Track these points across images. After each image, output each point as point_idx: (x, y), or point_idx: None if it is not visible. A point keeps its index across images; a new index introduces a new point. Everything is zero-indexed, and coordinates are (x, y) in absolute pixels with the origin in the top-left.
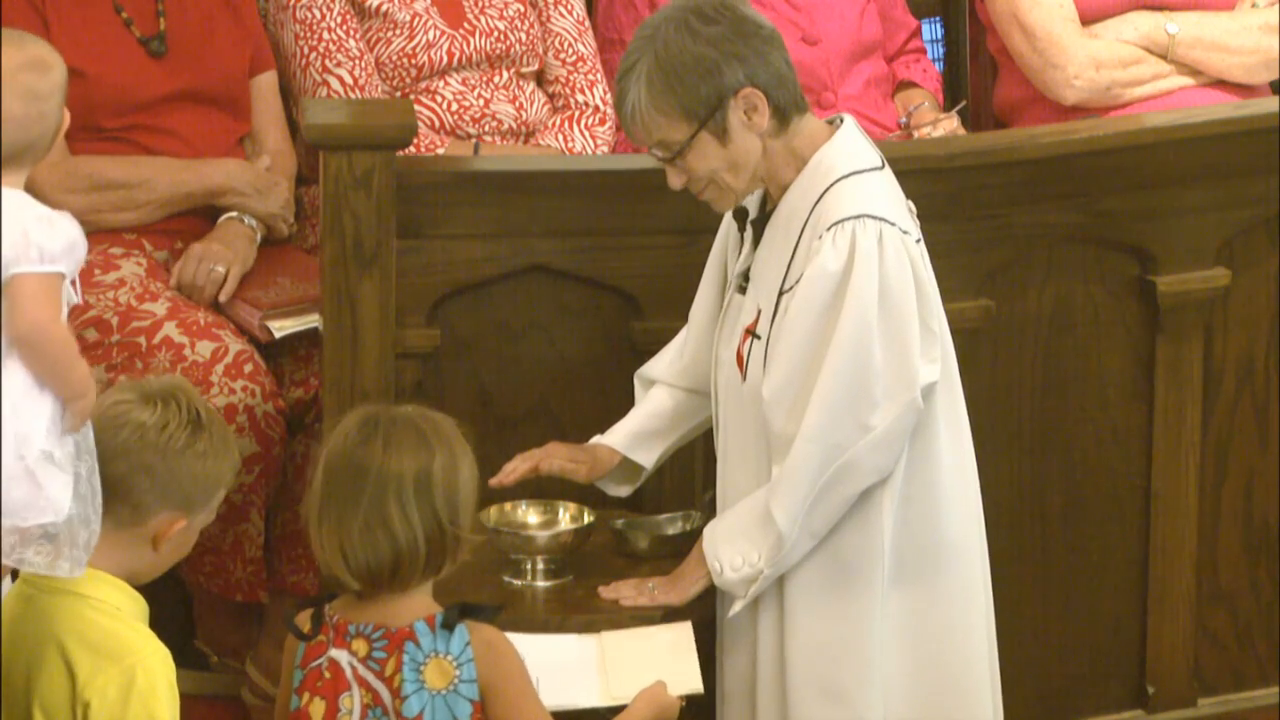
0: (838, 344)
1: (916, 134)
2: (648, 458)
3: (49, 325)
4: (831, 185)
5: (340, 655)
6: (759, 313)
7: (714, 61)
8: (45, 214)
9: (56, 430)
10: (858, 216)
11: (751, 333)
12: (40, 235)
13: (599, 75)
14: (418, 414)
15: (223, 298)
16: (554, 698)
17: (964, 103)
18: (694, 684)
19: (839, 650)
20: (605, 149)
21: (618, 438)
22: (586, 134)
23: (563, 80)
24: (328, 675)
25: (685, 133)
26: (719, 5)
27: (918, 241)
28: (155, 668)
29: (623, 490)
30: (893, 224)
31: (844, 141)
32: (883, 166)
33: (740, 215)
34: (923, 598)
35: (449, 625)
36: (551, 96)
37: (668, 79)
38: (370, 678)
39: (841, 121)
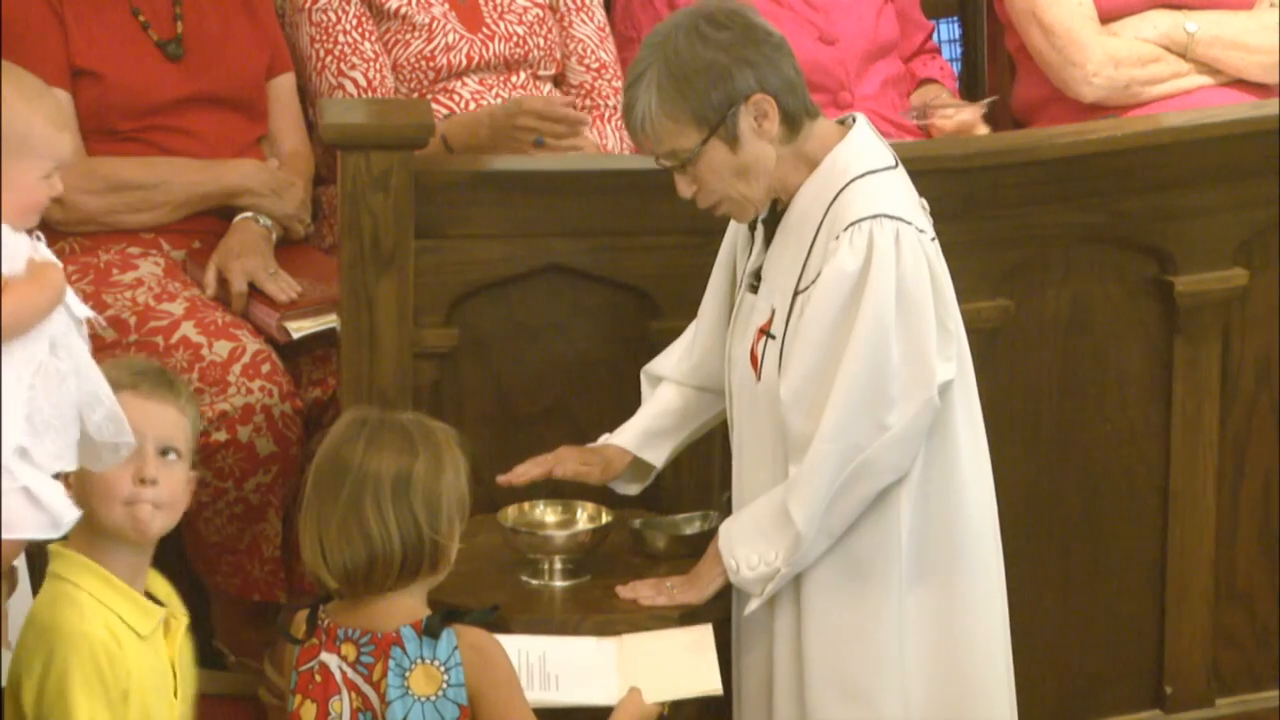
0: (855, 343)
1: (932, 121)
2: (658, 456)
3: None
4: (846, 185)
5: (330, 659)
6: (773, 312)
7: (725, 67)
8: None
9: (33, 425)
10: (874, 216)
11: (765, 332)
12: None
13: (621, 82)
14: (412, 419)
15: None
16: (571, 695)
17: (994, 97)
18: (712, 684)
19: (856, 648)
20: (631, 149)
21: (628, 437)
22: (616, 133)
23: (587, 86)
24: (318, 679)
25: (695, 139)
26: (729, 12)
27: (933, 239)
28: (79, 649)
29: (633, 489)
30: (909, 223)
31: (857, 141)
32: (896, 165)
33: None
34: (939, 596)
35: (432, 631)
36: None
37: (678, 85)
38: (359, 682)
39: (854, 121)
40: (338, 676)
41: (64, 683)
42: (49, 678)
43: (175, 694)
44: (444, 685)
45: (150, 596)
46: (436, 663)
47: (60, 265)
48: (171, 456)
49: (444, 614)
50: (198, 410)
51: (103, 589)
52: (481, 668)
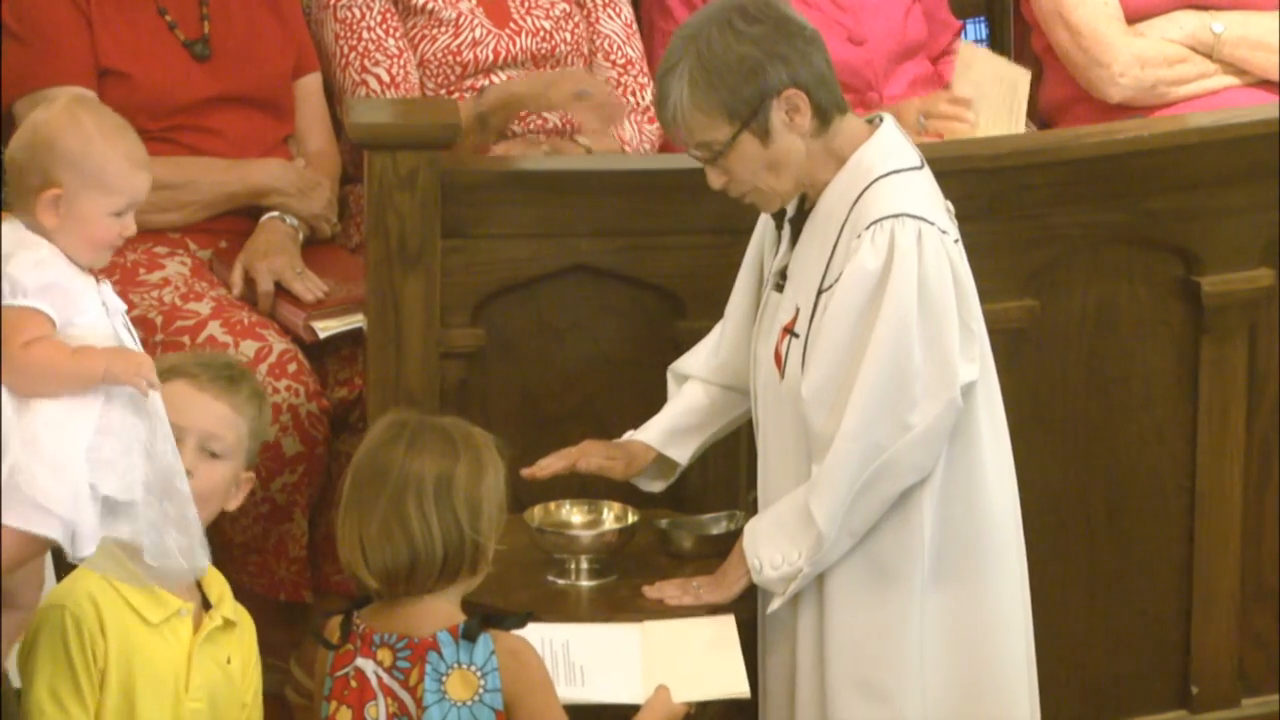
0: (877, 343)
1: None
2: (682, 454)
3: (16, 353)
4: (871, 184)
5: (366, 664)
6: (797, 311)
7: (757, 61)
8: (43, 256)
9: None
10: (897, 215)
11: (790, 331)
12: (16, 271)
13: (648, 78)
14: (451, 422)
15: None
16: (598, 693)
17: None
18: (739, 686)
19: (878, 648)
20: (649, 146)
21: (652, 434)
22: (635, 127)
23: (613, 82)
24: (354, 684)
25: (727, 133)
26: (762, 5)
27: (956, 241)
28: (49, 620)
29: (657, 486)
30: (931, 223)
31: (883, 140)
32: (922, 166)
33: (778, 213)
34: (961, 596)
35: (470, 636)
36: None
37: (710, 78)
38: (395, 687)
39: (881, 120)
40: (374, 682)
41: (32, 651)
42: (25, 649)
43: (186, 688)
44: (481, 690)
45: (203, 595)
46: (473, 668)
47: (145, 362)
48: (216, 451)
49: (481, 618)
50: (260, 412)
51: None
52: (518, 672)
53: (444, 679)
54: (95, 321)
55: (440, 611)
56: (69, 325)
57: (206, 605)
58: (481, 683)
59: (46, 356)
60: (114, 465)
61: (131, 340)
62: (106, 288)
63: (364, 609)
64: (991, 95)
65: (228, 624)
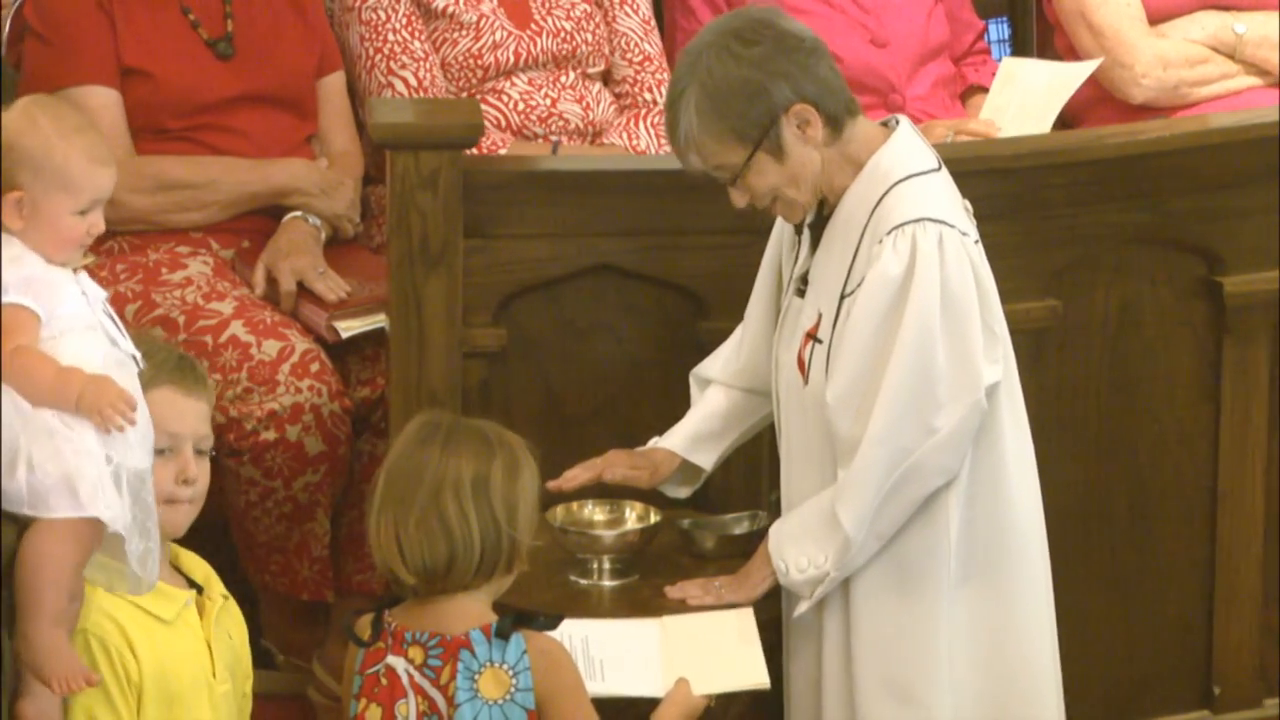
0: (901, 347)
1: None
2: (707, 459)
3: (2, 357)
4: (890, 188)
5: (397, 662)
6: (819, 316)
7: (759, 84)
8: (17, 252)
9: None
10: (918, 220)
11: (813, 336)
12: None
13: (665, 74)
14: (485, 424)
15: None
16: (619, 686)
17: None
18: (759, 677)
19: (905, 650)
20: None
21: (676, 440)
22: (651, 131)
23: (630, 80)
24: (384, 682)
25: (741, 155)
26: (758, 25)
27: (976, 243)
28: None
29: (682, 492)
30: (952, 226)
31: (900, 144)
32: (939, 168)
33: None
34: (987, 598)
35: (503, 634)
36: (618, 96)
37: (716, 106)
38: (426, 685)
39: (897, 123)
40: (404, 680)
41: None
42: None
43: (214, 674)
44: (512, 689)
45: (185, 578)
46: (505, 666)
47: (121, 398)
48: (203, 449)
49: (515, 617)
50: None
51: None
52: (549, 672)
53: (476, 677)
54: (78, 311)
55: (472, 611)
56: (53, 318)
57: (193, 588)
58: (513, 682)
59: (31, 369)
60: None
61: (114, 326)
62: (84, 276)
63: (395, 607)
64: (1031, 105)
65: (226, 600)
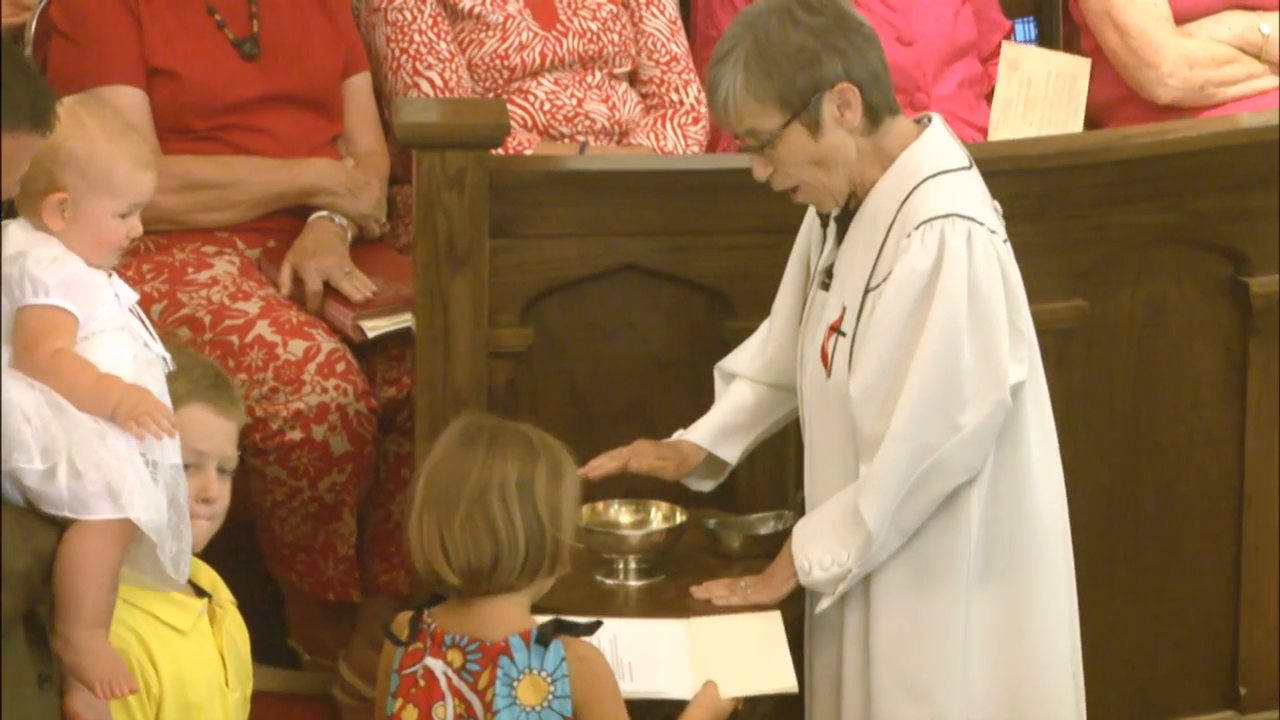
0: (926, 343)
1: None
2: (731, 453)
3: (43, 358)
4: (920, 184)
5: (435, 665)
6: (844, 310)
7: (814, 52)
8: (58, 253)
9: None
10: (946, 216)
11: (836, 330)
12: (35, 269)
13: (692, 74)
14: (527, 428)
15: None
16: (647, 686)
17: None
18: (787, 681)
19: (922, 648)
20: (697, 148)
21: (702, 433)
22: (679, 132)
23: (656, 80)
24: (422, 683)
25: (777, 121)
26: None
27: (1005, 241)
28: None
29: (706, 485)
30: (981, 223)
31: (932, 140)
32: (970, 166)
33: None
34: (1007, 597)
35: (544, 641)
36: (645, 96)
37: (766, 65)
38: (464, 689)
39: (930, 121)
40: (442, 683)
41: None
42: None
43: (226, 682)
44: (550, 696)
45: (194, 586)
46: (544, 673)
47: (156, 410)
48: (227, 470)
49: (555, 624)
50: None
51: (136, 593)
52: (588, 679)
53: (515, 684)
54: (112, 313)
55: (512, 616)
56: (89, 320)
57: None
58: (551, 689)
59: (71, 373)
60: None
61: (144, 328)
62: (116, 279)
63: (434, 607)
64: (1045, 93)
65: (231, 606)
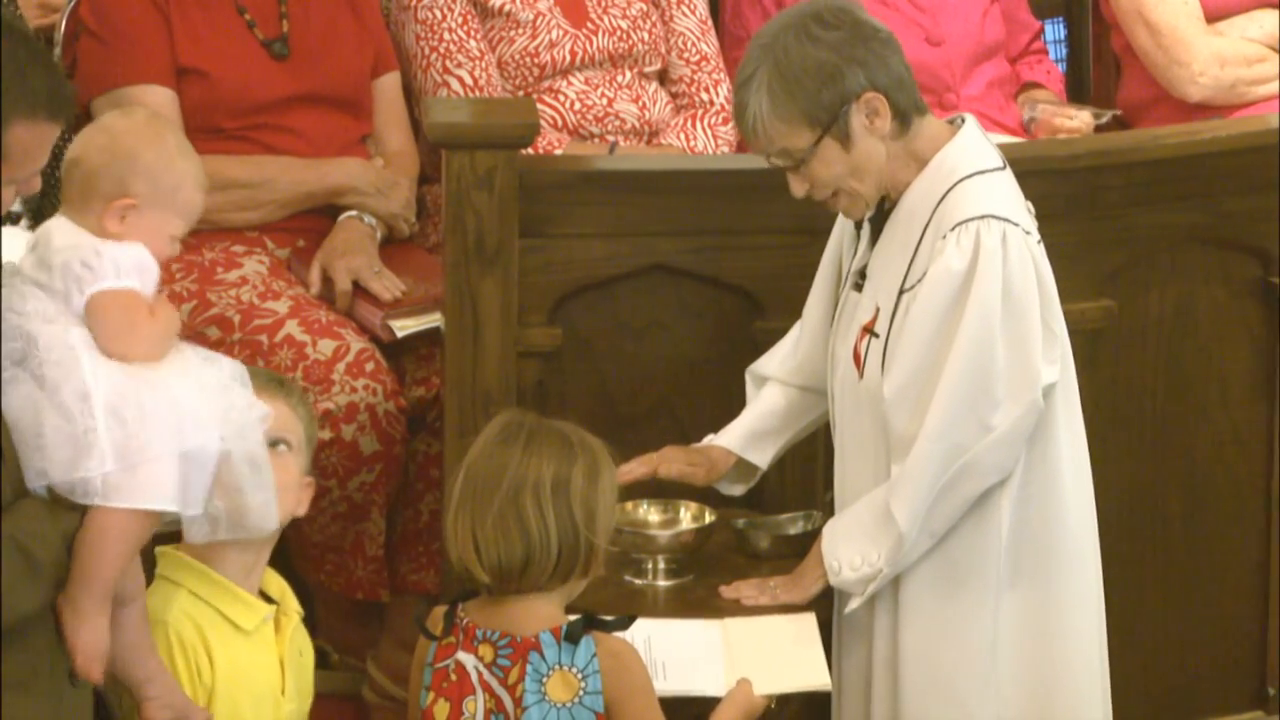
0: (961, 344)
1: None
2: (762, 457)
3: (144, 324)
4: (955, 185)
5: (467, 659)
6: (877, 311)
7: (835, 67)
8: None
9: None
10: (982, 217)
11: (869, 331)
12: (111, 252)
13: (723, 74)
14: (566, 426)
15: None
16: (680, 684)
17: (1117, 112)
18: (821, 679)
19: (951, 648)
20: (727, 148)
21: (732, 438)
22: (709, 132)
23: (686, 80)
24: (454, 677)
25: (808, 139)
26: (837, 10)
27: (1038, 242)
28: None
29: (737, 489)
30: (1016, 224)
31: (966, 141)
32: (1004, 167)
33: None
34: (1037, 599)
35: (573, 638)
36: (675, 96)
37: (789, 86)
38: (494, 684)
39: (963, 121)
40: (473, 677)
41: None
42: None
43: (283, 691)
44: (581, 692)
45: (262, 594)
46: (574, 669)
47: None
48: (282, 448)
49: (585, 620)
50: (311, 414)
51: (202, 585)
52: (619, 675)
53: (544, 680)
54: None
55: (544, 612)
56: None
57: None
58: (582, 685)
59: (169, 317)
60: (206, 420)
61: None
62: None
63: (469, 602)
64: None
65: (299, 618)
